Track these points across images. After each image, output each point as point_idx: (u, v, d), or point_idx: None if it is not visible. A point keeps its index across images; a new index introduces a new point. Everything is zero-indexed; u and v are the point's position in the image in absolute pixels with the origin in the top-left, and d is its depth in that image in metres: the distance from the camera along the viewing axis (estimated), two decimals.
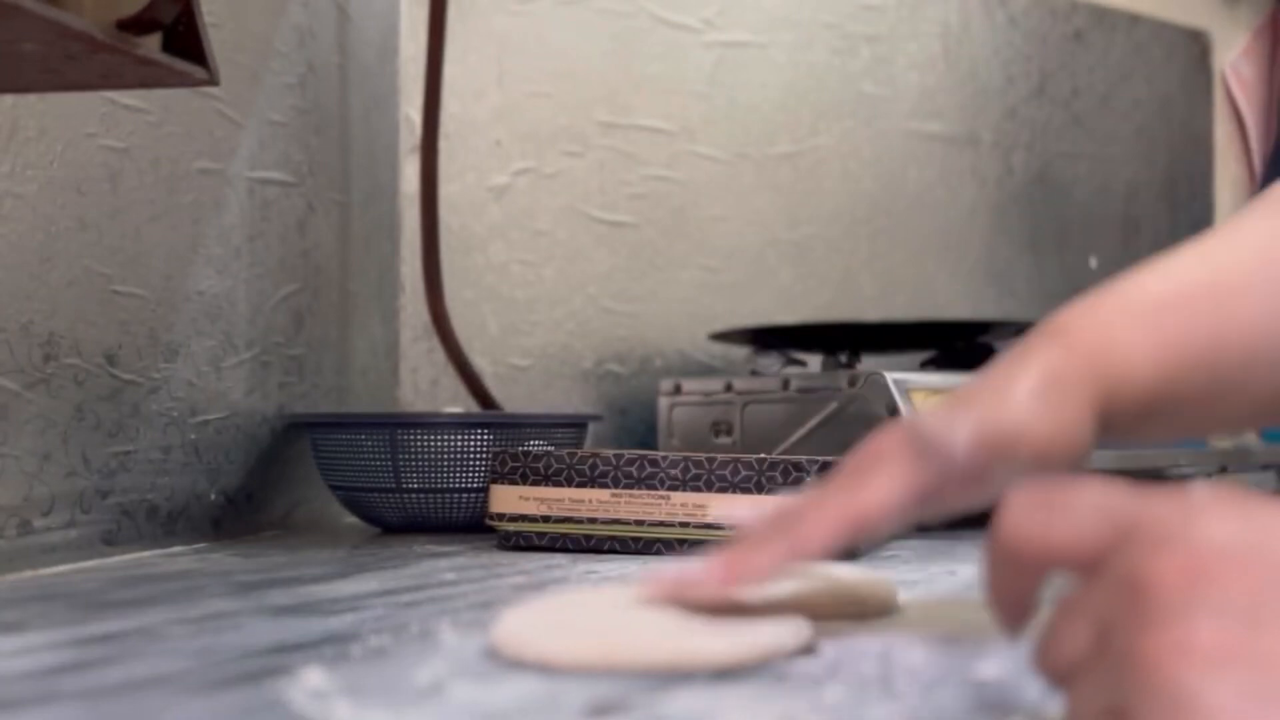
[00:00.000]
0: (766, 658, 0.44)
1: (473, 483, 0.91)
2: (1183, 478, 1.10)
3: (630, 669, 0.43)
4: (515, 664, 0.44)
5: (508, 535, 0.81)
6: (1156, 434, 0.56)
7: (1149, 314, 0.53)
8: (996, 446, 0.47)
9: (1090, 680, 0.32)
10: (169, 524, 0.84)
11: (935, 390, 0.99)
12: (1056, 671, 0.33)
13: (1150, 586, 0.30)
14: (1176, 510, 0.31)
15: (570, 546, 0.79)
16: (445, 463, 0.91)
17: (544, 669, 0.43)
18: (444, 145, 1.17)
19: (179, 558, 0.79)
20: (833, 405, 1.02)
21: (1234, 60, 1.87)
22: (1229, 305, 0.54)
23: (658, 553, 0.78)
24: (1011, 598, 0.37)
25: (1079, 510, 0.34)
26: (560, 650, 0.44)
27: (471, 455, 0.91)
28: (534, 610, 0.48)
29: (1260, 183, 1.81)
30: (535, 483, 0.80)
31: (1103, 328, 0.52)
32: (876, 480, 0.47)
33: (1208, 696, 0.28)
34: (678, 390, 1.16)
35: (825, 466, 0.75)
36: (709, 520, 0.77)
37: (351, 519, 1.00)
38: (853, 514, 0.47)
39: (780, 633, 0.45)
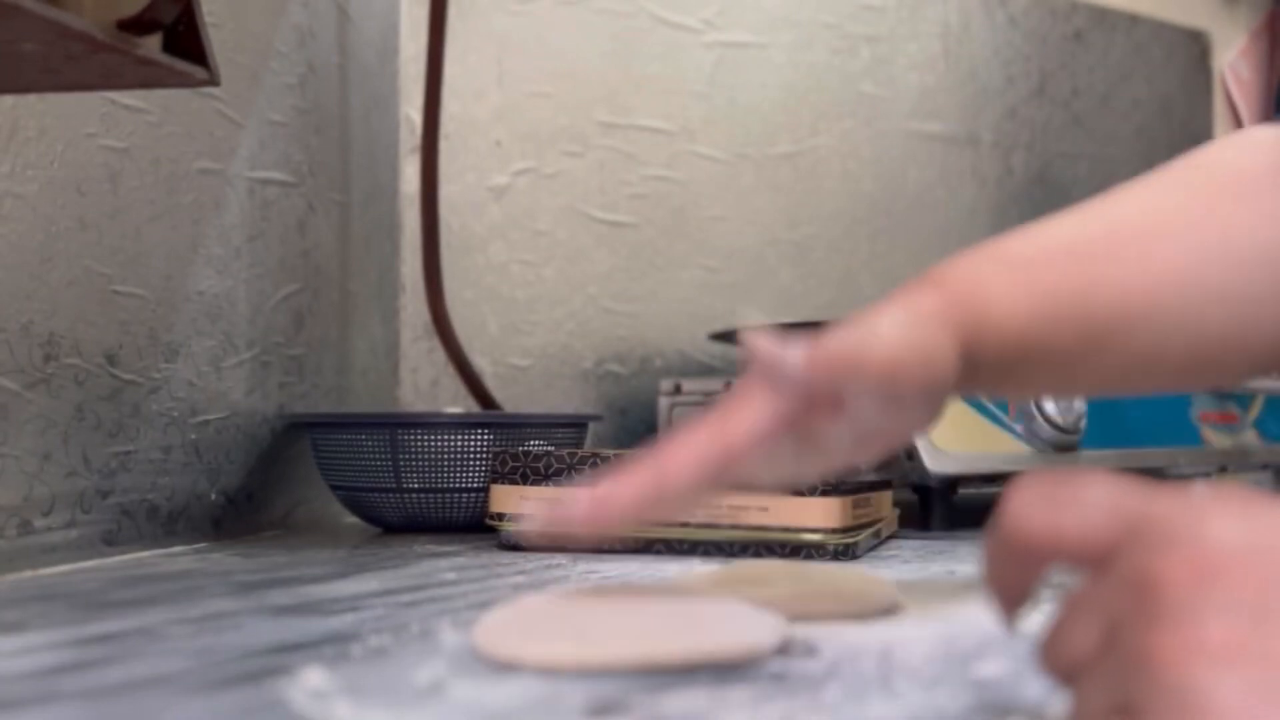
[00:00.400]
0: (741, 657, 0.44)
1: (473, 483, 0.91)
2: (1182, 477, 1.10)
3: (606, 669, 0.43)
4: (506, 664, 0.44)
5: (508, 535, 0.81)
6: (1026, 384, 0.59)
7: (1022, 265, 0.56)
8: (834, 363, 0.49)
9: (1097, 678, 0.31)
10: (169, 524, 0.84)
11: None
12: (1062, 669, 0.33)
13: (1159, 585, 0.30)
14: (1185, 509, 0.31)
15: (570, 546, 0.79)
16: (445, 463, 0.91)
17: (518, 670, 0.43)
18: (444, 145, 1.18)
19: (179, 558, 0.79)
20: None
21: (1232, 61, 1.87)
22: (1100, 263, 0.57)
23: (658, 552, 0.78)
24: (1011, 587, 0.37)
25: (1087, 504, 0.33)
26: (533, 651, 0.44)
27: (471, 455, 0.91)
28: (511, 611, 0.48)
29: None
30: (535, 483, 0.80)
31: (974, 274, 0.55)
32: (740, 412, 0.49)
33: (1216, 694, 0.28)
34: (678, 390, 1.17)
35: None
36: (709, 520, 0.77)
37: (352, 519, 1.00)
38: (719, 443, 0.48)
39: (757, 632, 0.46)
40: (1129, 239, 0.58)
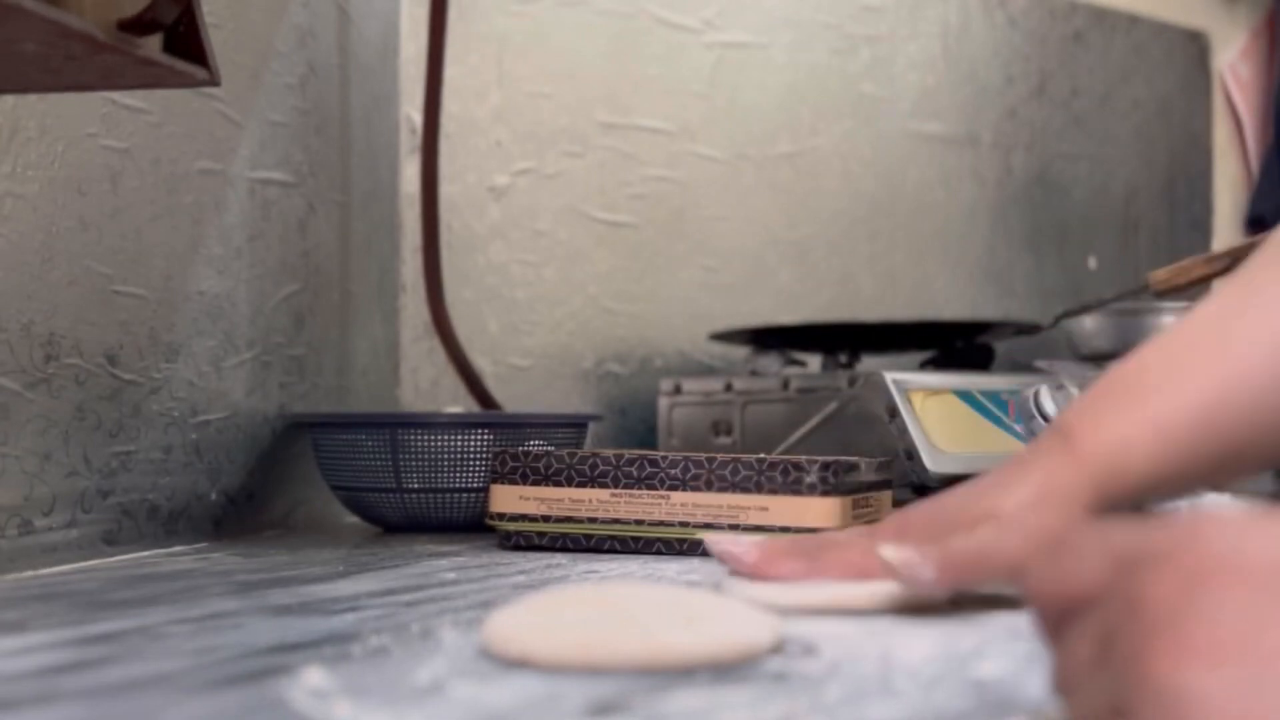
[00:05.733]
0: (741, 655, 0.44)
1: (473, 483, 0.91)
2: None
3: (612, 666, 0.43)
4: (511, 663, 0.44)
5: (508, 535, 0.81)
6: (1166, 499, 0.62)
7: (1147, 400, 0.58)
8: (962, 571, 0.54)
9: (1092, 684, 0.32)
10: (170, 524, 0.84)
11: (935, 390, 0.99)
12: (1066, 687, 0.34)
13: (1149, 599, 0.31)
14: (1173, 532, 0.32)
15: (570, 546, 0.79)
16: (445, 463, 0.91)
17: (527, 666, 0.43)
18: (444, 145, 1.17)
19: (180, 558, 0.79)
20: (832, 405, 1.02)
21: (1232, 61, 1.87)
22: (1230, 384, 0.58)
23: (658, 552, 0.78)
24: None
25: (1084, 555, 0.34)
26: (542, 647, 0.44)
27: (471, 455, 0.91)
28: (522, 608, 0.48)
29: (1256, 183, 1.81)
30: (535, 483, 0.80)
31: (1102, 427, 0.57)
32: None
33: (1205, 692, 0.29)
34: (678, 390, 1.17)
35: (826, 467, 0.75)
36: (709, 520, 0.77)
37: (352, 519, 1.00)
38: (861, 569, 0.56)
39: (755, 630, 0.46)
40: (1262, 341, 0.59)
